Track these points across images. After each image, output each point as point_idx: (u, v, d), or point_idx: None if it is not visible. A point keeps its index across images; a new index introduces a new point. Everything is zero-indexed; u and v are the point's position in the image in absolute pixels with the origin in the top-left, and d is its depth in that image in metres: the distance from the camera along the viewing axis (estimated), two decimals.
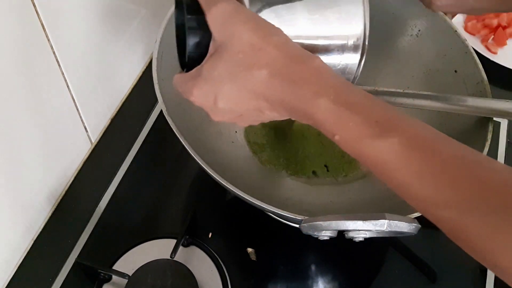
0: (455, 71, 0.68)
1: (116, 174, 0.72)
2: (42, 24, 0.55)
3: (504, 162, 0.76)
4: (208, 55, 0.39)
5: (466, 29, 0.93)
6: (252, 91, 0.38)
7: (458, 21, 0.93)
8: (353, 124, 0.35)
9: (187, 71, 0.41)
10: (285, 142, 0.71)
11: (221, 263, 0.63)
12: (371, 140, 0.35)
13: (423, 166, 0.34)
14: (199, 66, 0.39)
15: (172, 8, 0.63)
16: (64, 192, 0.69)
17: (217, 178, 0.52)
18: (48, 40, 0.57)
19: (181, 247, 0.62)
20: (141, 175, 0.73)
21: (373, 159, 0.36)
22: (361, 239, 0.46)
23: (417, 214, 0.49)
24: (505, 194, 0.32)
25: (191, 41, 0.39)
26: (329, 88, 0.36)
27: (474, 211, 0.32)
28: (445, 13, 0.69)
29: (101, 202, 0.69)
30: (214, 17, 0.38)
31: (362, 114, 0.35)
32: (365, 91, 0.37)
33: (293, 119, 0.39)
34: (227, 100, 0.39)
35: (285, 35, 0.38)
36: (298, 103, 0.37)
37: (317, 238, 0.48)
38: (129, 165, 0.73)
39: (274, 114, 0.40)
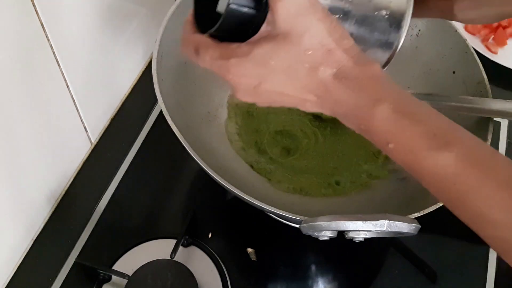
0: (453, 72, 0.68)
1: (116, 174, 0.72)
2: (42, 24, 0.55)
3: None
4: (259, 37, 0.37)
5: (466, 29, 0.93)
6: (306, 87, 0.38)
7: None
8: (411, 135, 0.35)
9: (206, 33, 0.39)
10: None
11: (221, 263, 0.63)
12: (428, 153, 0.35)
13: (479, 183, 0.34)
14: (247, 46, 0.37)
15: (172, 9, 0.63)
16: (64, 192, 0.69)
17: (217, 178, 0.52)
18: (48, 40, 0.57)
19: (181, 247, 0.62)
20: (141, 175, 0.73)
21: (428, 171, 0.35)
22: (361, 239, 0.46)
23: (417, 215, 0.49)
24: None
25: (235, 13, 0.37)
26: (389, 96, 0.36)
27: None
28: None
29: (101, 202, 0.69)
30: (287, 7, 0.36)
31: (421, 126, 0.35)
32: (422, 101, 0.37)
33: (338, 119, 0.39)
34: (272, 88, 0.38)
35: (352, 39, 0.38)
36: (355, 107, 0.37)
37: (317, 238, 0.48)
38: (129, 165, 0.73)
39: (315, 109, 0.39)
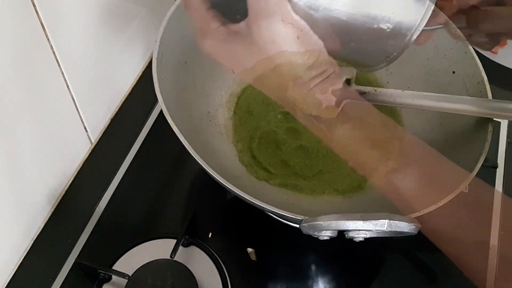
0: (453, 72, 0.68)
1: (116, 174, 0.72)
2: (42, 24, 0.55)
3: (504, 162, 0.76)
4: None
5: None
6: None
7: None
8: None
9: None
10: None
11: (221, 263, 0.63)
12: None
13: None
14: (223, 33, 0.42)
15: (172, 9, 0.63)
16: (64, 192, 0.69)
17: (217, 178, 0.52)
18: (48, 40, 0.57)
19: (181, 247, 0.62)
20: (141, 175, 0.73)
21: None
22: (361, 239, 0.46)
23: (417, 214, 0.48)
24: None
25: None
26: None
27: None
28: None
29: (101, 202, 0.69)
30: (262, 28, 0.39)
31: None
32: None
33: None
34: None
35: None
36: None
37: (317, 238, 0.48)
38: (129, 165, 0.73)
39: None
